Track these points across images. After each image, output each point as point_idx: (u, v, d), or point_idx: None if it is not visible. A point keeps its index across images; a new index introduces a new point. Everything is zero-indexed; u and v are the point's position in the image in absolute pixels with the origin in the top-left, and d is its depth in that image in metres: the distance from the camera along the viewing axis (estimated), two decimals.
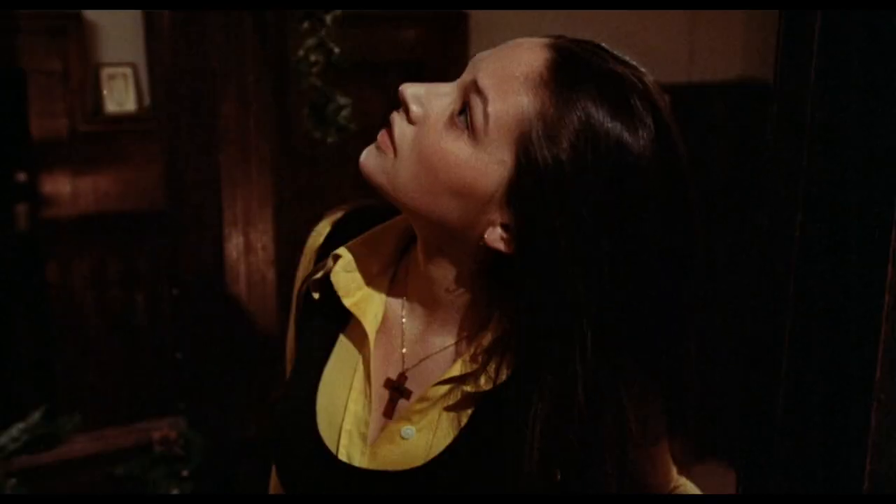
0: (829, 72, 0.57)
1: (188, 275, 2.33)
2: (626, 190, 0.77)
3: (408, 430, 0.89)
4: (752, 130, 3.44)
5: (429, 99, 0.83)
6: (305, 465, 0.93)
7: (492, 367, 0.86)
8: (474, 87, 0.80)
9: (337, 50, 2.07)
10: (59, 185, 2.95)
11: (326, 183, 3.36)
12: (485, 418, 0.88)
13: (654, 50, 3.54)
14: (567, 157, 0.76)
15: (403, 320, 0.93)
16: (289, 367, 1.04)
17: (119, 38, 2.94)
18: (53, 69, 2.82)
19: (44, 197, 2.96)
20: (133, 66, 2.95)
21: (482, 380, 0.86)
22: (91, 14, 2.87)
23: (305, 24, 2.05)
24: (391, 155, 0.84)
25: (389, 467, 0.89)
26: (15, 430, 2.19)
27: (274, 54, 2.21)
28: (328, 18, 2.07)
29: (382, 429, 0.90)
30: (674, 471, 1.10)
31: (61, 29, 2.81)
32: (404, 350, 0.93)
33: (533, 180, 0.77)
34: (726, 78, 3.62)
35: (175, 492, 2.22)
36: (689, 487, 1.10)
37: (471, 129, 0.79)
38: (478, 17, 3.23)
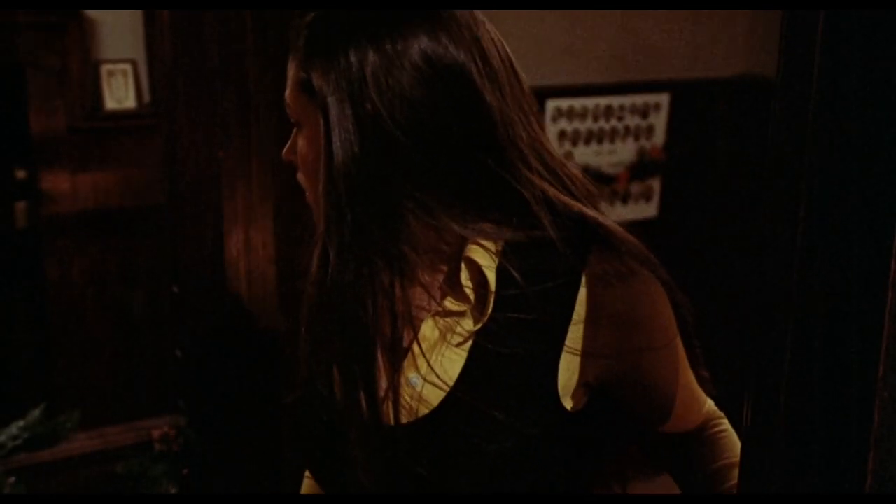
0: (831, 69, 0.56)
1: (188, 272, 2.33)
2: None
3: (413, 377, 0.92)
4: (755, 127, 3.43)
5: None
6: (336, 444, 0.95)
7: (475, 303, 0.91)
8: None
9: None
10: (59, 182, 2.95)
11: None
12: (482, 351, 0.91)
13: (656, 46, 3.54)
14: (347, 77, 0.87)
15: None
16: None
17: (119, 34, 2.94)
18: (53, 66, 2.82)
19: (43, 194, 2.96)
20: (133, 62, 2.95)
21: (469, 315, 0.91)
22: (91, 11, 2.86)
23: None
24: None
25: (408, 418, 0.92)
26: (14, 428, 2.19)
27: (274, 52, 2.20)
28: None
29: (400, 384, 0.93)
30: (707, 404, 1.09)
31: (61, 26, 2.81)
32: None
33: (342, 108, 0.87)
34: (729, 75, 3.61)
35: (174, 490, 2.21)
36: (729, 430, 1.08)
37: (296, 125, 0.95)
38: None
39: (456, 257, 0.93)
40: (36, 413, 2.21)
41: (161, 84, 2.57)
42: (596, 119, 3.50)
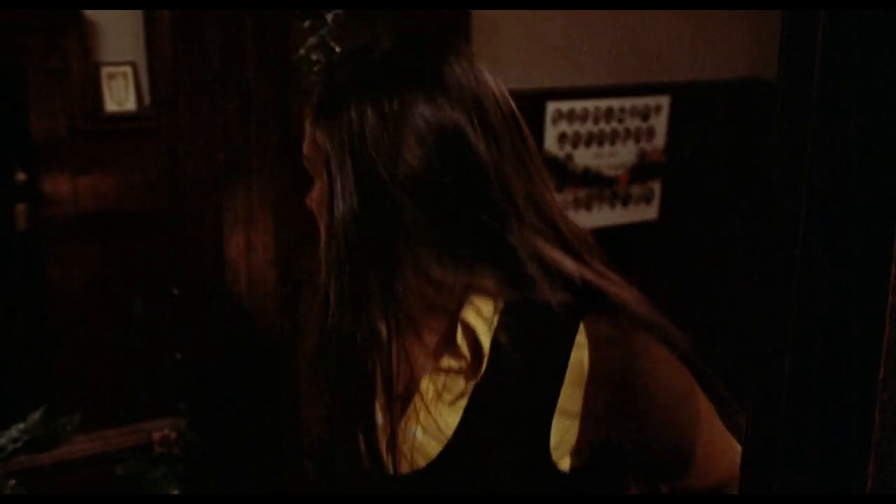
0: (832, 69, 0.56)
1: (188, 274, 2.33)
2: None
3: (415, 429, 0.97)
4: (756, 129, 3.43)
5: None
6: (360, 487, 1.04)
7: (470, 361, 0.95)
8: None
9: (338, 49, 2.06)
10: (60, 185, 2.95)
11: None
12: (477, 408, 0.95)
13: (657, 49, 3.54)
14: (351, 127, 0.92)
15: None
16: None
17: (119, 36, 2.94)
18: (53, 67, 2.82)
19: (44, 196, 2.95)
20: (133, 64, 2.95)
21: (464, 372, 0.95)
22: (91, 13, 2.86)
23: (306, 23, 2.04)
24: None
25: (406, 469, 0.97)
26: (14, 431, 2.19)
27: (274, 53, 2.20)
28: (329, 17, 2.06)
29: (399, 434, 0.98)
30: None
31: (61, 27, 2.81)
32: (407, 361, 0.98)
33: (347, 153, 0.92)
34: (730, 77, 3.61)
35: (175, 492, 2.21)
36: None
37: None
38: (480, 16, 3.23)
39: (454, 313, 0.96)
40: (36, 415, 2.21)
41: (161, 86, 2.57)
42: (596, 121, 3.50)
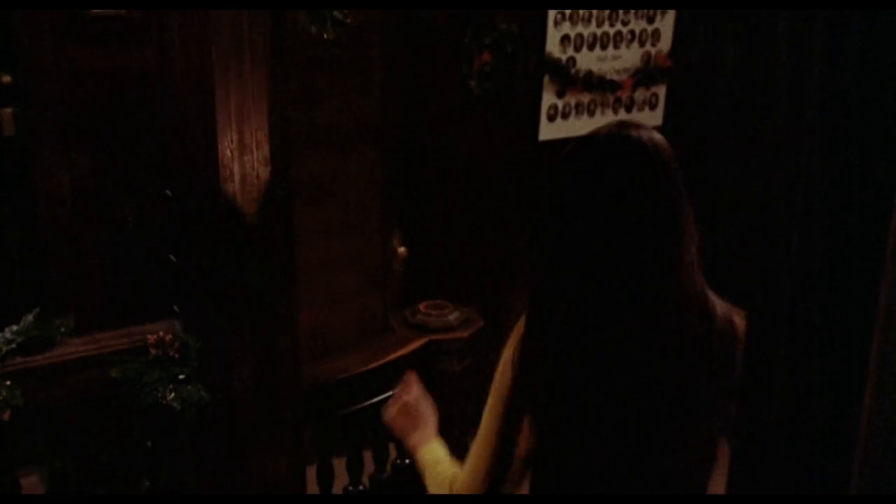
0: (831, 67, 0.55)
1: (180, 175, 2.27)
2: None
3: None
4: (764, 36, 3.33)
5: None
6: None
7: None
8: None
9: None
10: (46, 88, 2.87)
11: (323, 86, 3.27)
12: None
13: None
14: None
15: None
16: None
17: None
18: None
19: (30, 100, 2.88)
20: None
21: None
22: None
23: None
24: None
25: None
26: (8, 333, 2.16)
27: None
28: None
29: None
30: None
31: None
32: None
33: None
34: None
35: (172, 395, 2.19)
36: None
37: None
38: None
39: None
40: (29, 318, 2.18)
41: None
42: (600, 23, 3.39)
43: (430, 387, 2.10)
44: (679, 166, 1.32)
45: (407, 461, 2.59)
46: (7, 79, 2.97)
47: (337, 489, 2.55)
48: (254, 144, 2.11)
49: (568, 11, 3.34)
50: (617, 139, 1.31)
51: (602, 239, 1.29)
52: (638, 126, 1.34)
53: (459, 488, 1.51)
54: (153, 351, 2.19)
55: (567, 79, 3.36)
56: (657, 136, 1.33)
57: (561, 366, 1.33)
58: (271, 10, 2.10)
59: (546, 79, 3.39)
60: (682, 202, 1.31)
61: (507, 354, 1.40)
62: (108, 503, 2.28)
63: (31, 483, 2.89)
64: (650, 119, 3.56)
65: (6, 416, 2.04)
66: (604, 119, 3.48)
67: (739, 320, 1.39)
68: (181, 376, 2.20)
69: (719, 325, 1.35)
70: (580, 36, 3.37)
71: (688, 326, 1.30)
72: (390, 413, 1.77)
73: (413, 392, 1.78)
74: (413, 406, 1.76)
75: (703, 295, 1.35)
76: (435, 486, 1.60)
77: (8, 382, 2.07)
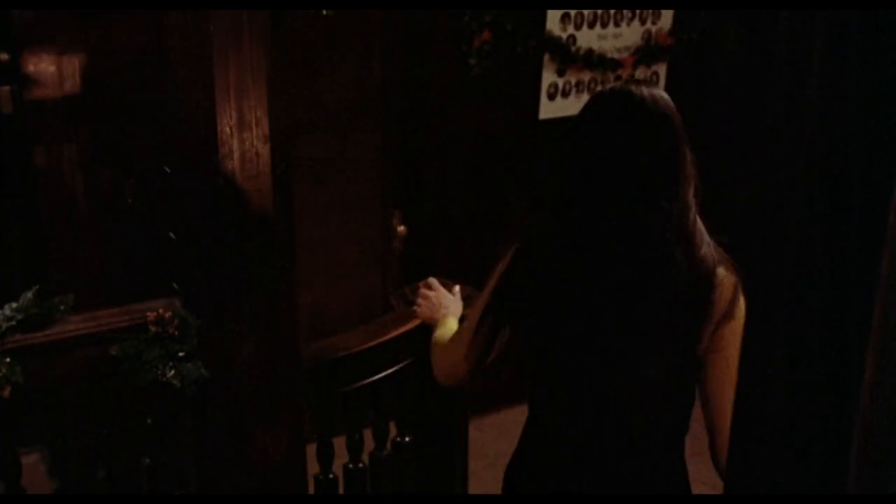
0: (831, 61, 0.57)
1: (179, 151, 2.26)
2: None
3: None
4: (766, 13, 3.31)
5: None
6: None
7: None
8: None
9: None
10: (43, 65, 2.85)
11: (323, 64, 3.25)
12: None
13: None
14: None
15: None
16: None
17: None
18: None
19: (28, 77, 2.86)
20: None
21: None
22: None
23: None
24: None
25: None
26: (8, 310, 2.15)
27: None
28: None
29: None
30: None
31: None
32: None
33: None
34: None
35: (171, 373, 2.19)
36: None
37: None
38: None
39: None
40: (29, 295, 2.17)
41: None
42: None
43: (429, 364, 2.11)
44: (679, 116, 1.50)
45: (407, 439, 2.60)
46: (5, 56, 2.95)
47: (336, 467, 2.56)
48: (253, 121, 2.10)
49: None
50: (621, 91, 1.54)
51: (603, 171, 1.48)
52: (640, 82, 1.59)
53: (439, 352, 2.02)
54: (153, 328, 2.19)
55: (567, 57, 3.34)
56: (658, 90, 1.54)
57: (551, 276, 1.57)
58: None
59: (546, 57, 3.38)
60: (680, 146, 1.50)
61: (500, 267, 1.70)
62: (108, 503, 2.28)
63: (32, 461, 2.90)
64: None
65: (6, 392, 2.04)
66: None
67: (724, 271, 1.52)
68: (181, 354, 2.20)
69: (700, 265, 1.49)
70: (580, 14, 3.35)
71: (670, 256, 1.46)
72: (417, 305, 2.27)
73: (434, 287, 2.25)
74: (435, 297, 2.22)
75: (692, 233, 1.50)
76: (432, 343, 2.08)
77: (8, 359, 2.07)
